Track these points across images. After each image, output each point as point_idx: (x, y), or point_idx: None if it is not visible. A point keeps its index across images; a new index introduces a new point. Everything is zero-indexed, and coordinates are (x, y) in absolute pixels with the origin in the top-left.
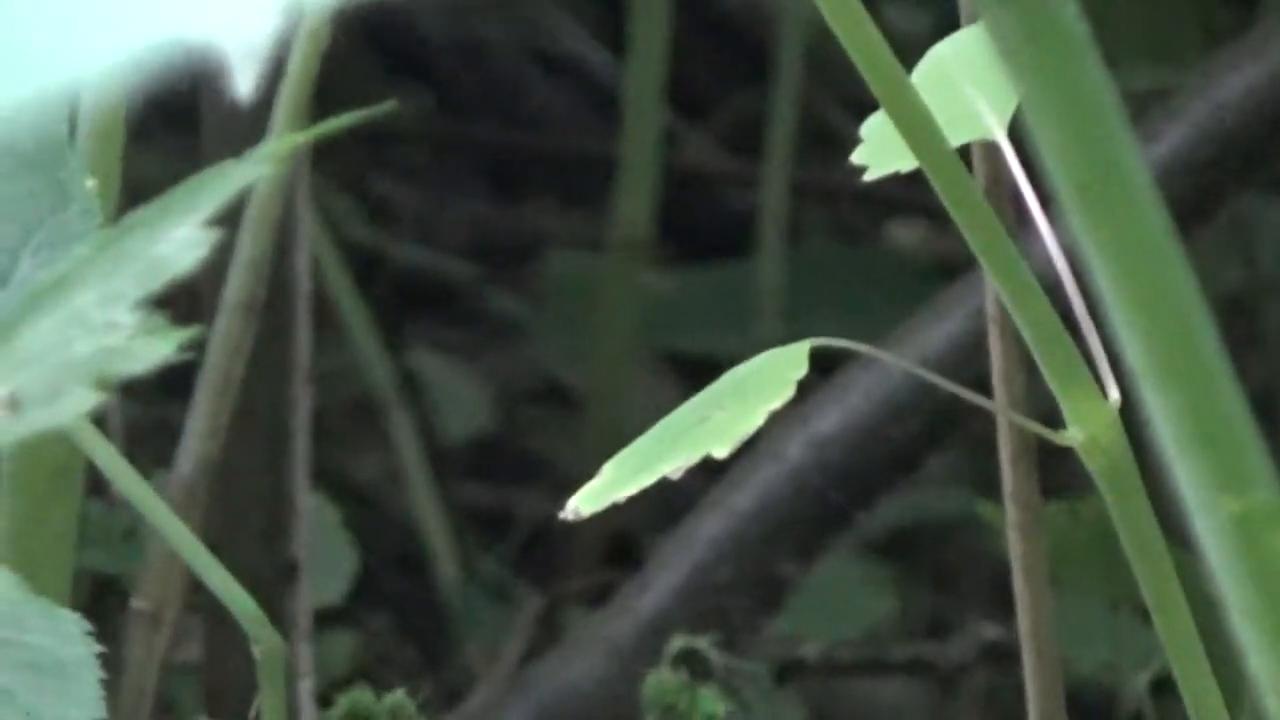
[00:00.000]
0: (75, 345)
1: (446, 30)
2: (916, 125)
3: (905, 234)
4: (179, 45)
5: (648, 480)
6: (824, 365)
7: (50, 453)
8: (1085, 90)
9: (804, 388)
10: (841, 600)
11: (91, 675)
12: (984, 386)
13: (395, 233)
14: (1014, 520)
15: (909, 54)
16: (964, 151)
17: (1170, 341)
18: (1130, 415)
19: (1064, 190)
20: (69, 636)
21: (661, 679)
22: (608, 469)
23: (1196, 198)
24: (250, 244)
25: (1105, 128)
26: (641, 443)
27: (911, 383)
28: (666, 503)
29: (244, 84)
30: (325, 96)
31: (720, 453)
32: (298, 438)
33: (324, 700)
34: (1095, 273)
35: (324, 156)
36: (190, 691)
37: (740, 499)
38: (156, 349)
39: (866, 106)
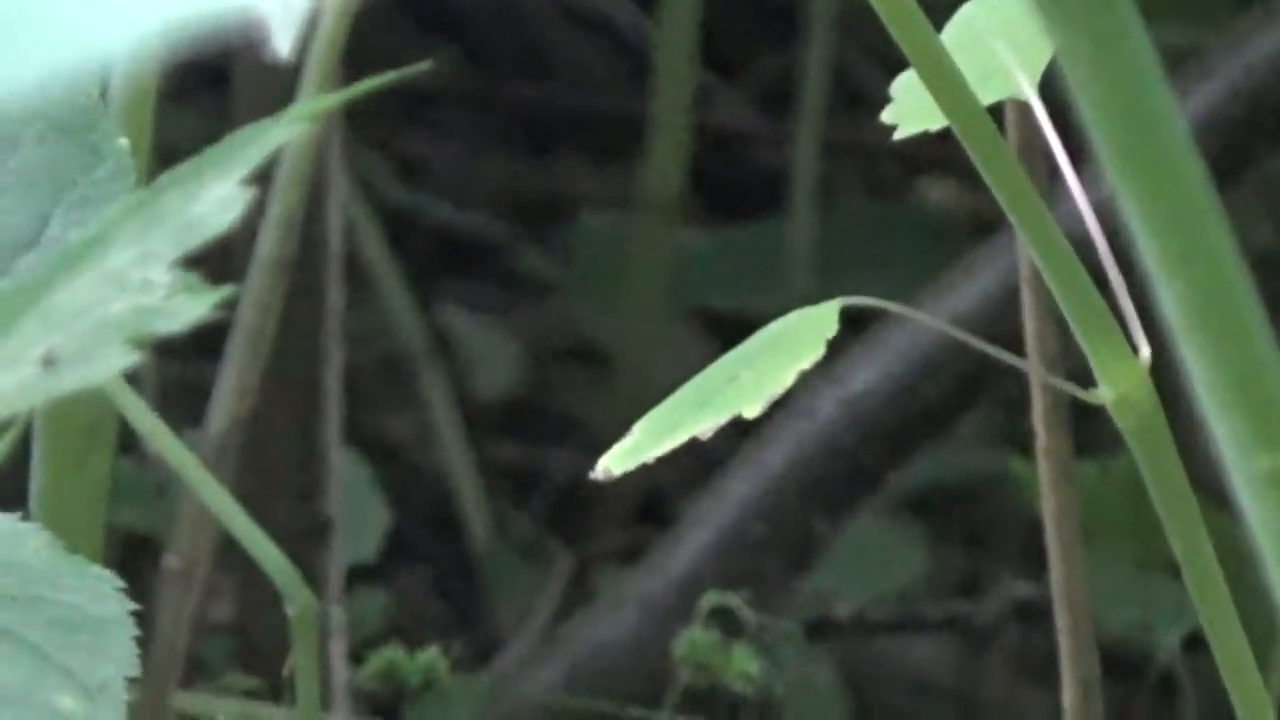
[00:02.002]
0: (111, 304)
1: None
2: (946, 84)
3: (937, 192)
4: (216, 5)
5: (678, 440)
6: (855, 324)
7: (83, 411)
8: (1123, 46)
9: (835, 346)
10: (873, 558)
11: (124, 633)
12: (1016, 345)
13: (427, 191)
14: (1046, 478)
15: (939, 12)
16: (996, 110)
17: (1207, 299)
18: (1161, 373)
19: (1101, 147)
20: (102, 594)
21: (694, 637)
22: (638, 429)
23: (1227, 156)
24: (282, 202)
25: (1143, 84)
26: (672, 402)
27: (943, 341)
28: (698, 461)
29: (283, 44)
30: (357, 56)
31: (751, 412)
32: (329, 396)
33: (356, 658)
34: (1132, 230)
35: (356, 115)
36: (222, 649)
37: (772, 457)
38: (192, 308)
39: (897, 65)
